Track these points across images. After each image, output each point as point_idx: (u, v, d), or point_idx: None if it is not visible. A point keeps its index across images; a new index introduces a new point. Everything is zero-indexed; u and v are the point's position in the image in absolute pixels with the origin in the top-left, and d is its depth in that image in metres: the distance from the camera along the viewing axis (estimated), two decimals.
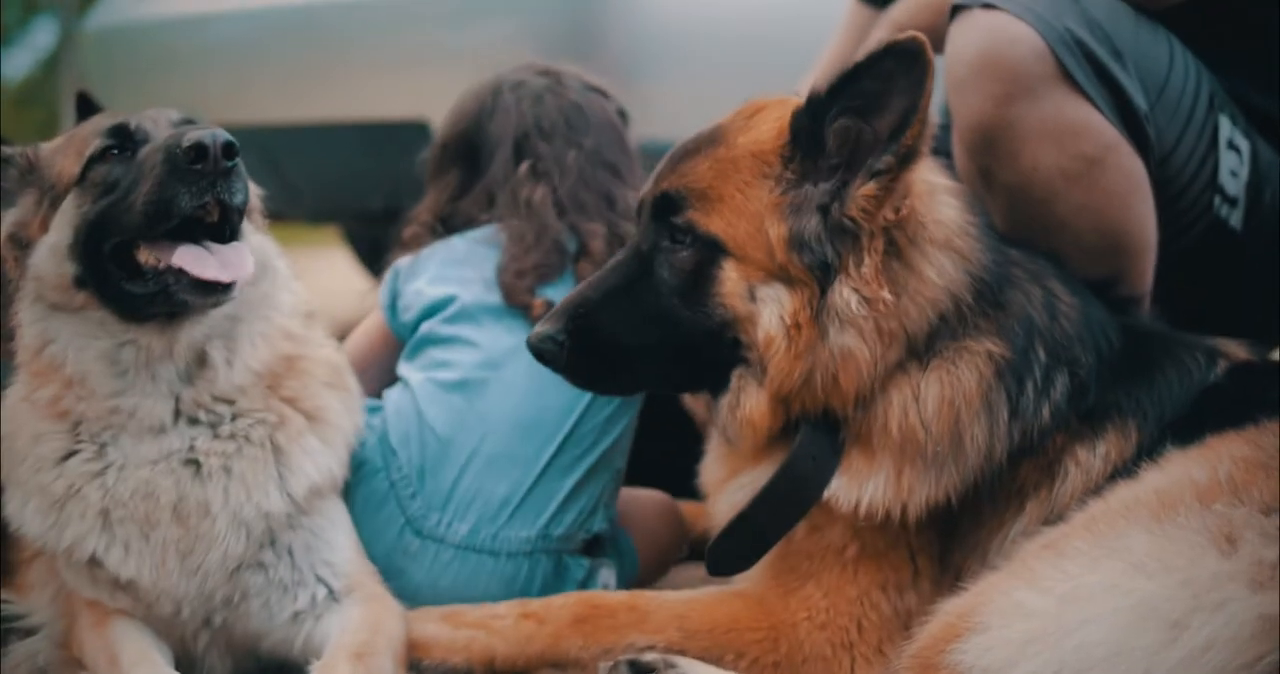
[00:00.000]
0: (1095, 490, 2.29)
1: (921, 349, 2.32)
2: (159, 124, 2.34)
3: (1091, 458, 2.36)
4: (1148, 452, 2.30)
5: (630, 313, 2.33)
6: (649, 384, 2.45)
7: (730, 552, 2.37)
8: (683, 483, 2.83)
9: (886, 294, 2.24)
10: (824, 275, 2.24)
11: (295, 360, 2.44)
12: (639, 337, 2.33)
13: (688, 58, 4.47)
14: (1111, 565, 1.91)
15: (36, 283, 2.37)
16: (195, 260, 2.21)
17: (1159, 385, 2.41)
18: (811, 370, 2.27)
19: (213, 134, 2.16)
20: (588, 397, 2.61)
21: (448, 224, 2.88)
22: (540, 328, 2.34)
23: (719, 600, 2.43)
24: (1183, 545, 1.89)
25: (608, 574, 2.70)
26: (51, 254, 2.33)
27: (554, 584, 2.62)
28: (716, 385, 2.37)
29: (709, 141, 2.37)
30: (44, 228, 2.37)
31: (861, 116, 2.21)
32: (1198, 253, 2.78)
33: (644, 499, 2.92)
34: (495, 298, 2.67)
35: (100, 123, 2.36)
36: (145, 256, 2.25)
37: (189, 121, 2.36)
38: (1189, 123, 2.66)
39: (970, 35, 2.50)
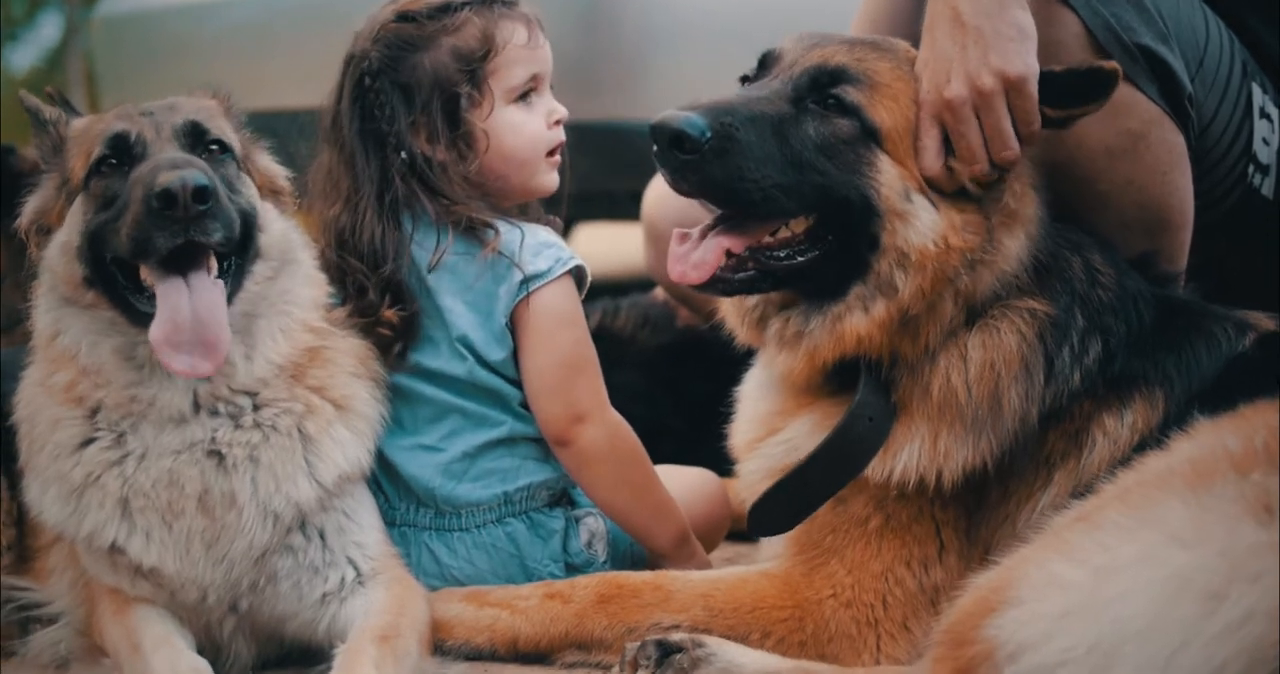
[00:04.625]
0: (1123, 461, 2.28)
1: (975, 313, 2.36)
2: (161, 132, 2.30)
3: (1119, 427, 2.35)
4: (1175, 422, 2.28)
5: (770, 144, 2.26)
6: (762, 214, 2.32)
7: (775, 510, 2.35)
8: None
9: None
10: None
11: (319, 351, 2.41)
12: (774, 169, 2.25)
13: (700, 41, 4.45)
14: (1147, 536, 1.88)
15: (50, 275, 2.36)
16: (167, 339, 2.18)
17: (1187, 356, 2.40)
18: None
19: (182, 179, 2.13)
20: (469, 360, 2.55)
21: None
22: (683, 112, 2.22)
23: (743, 579, 2.41)
24: (1219, 515, 1.85)
25: (595, 522, 2.66)
26: (63, 252, 2.33)
27: (536, 542, 2.59)
28: (825, 285, 2.34)
29: (879, 47, 2.40)
30: (60, 219, 2.36)
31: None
32: (1231, 222, 2.77)
33: (687, 477, 2.87)
34: None
35: (106, 125, 2.34)
36: (145, 275, 2.24)
37: (195, 126, 2.33)
38: (1225, 93, 2.65)
39: None
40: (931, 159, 2.32)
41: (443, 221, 2.54)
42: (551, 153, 2.67)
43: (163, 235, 2.16)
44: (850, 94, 2.31)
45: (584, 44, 4.44)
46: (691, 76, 4.47)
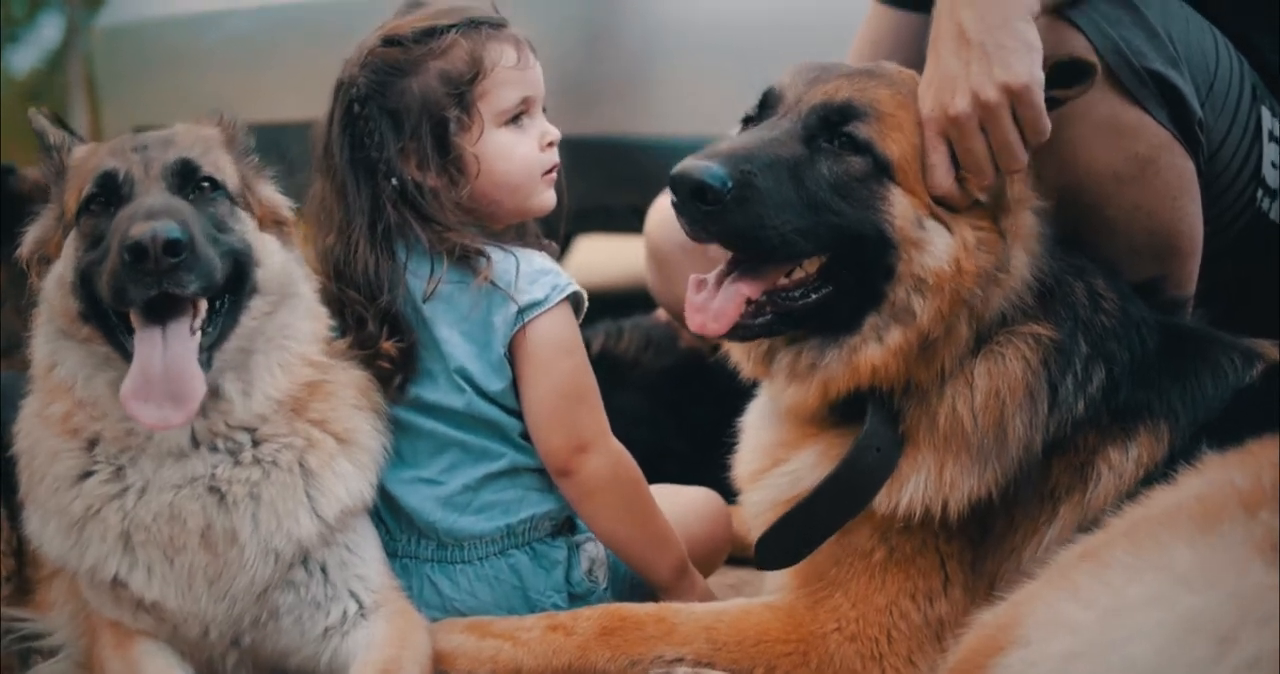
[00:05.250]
0: (1128, 494, 2.27)
1: (981, 338, 2.35)
2: (150, 171, 2.28)
3: (1124, 459, 2.34)
4: (1181, 454, 2.28)
5: (788, 188, 2.25)
6: (781, 258, 2.32)
7: (782, 544, 2.35)
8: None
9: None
10: None
11: (320, 384, 2.39)
12: (793, 214, 2.25)
13: (702, 54, 4.44)
14: (1155, 577, 1.86)
15: (48, 306, 2.35)
16: (136, 393, 2.16)
17: (1193, 387, 2.38)
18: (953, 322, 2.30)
19: (153, 232, 2.10)
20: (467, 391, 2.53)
21: None
22: (702, 161, 2.22)
23: (747, 611, 2.40)
24: (1228, 557, 1.84)
25: (595, 548, 2.64)
26: (59, 286, 2.31)
27: (539, 573, 2.58)
28: (840, 318, 2.33)
29: (877, 75, 2.39)
30: (58, 251, 2.35)
31: None
32: (1238, 247, 2.76)
33: (686, 496, 2.84)
34: None
35: (98, 161, 2.32)
36: (134, 318, 2.22)
37: (185, 164, 2.31)
38: (1235, 117, 2.64)
39: None
40: (942, 176, 2.31)
41: (436, 250, 2.51)
42: (547, 173, 2.64)
43: (136, 287, 2.14)
44: (860, 130, 2.30)
45: (583, 60, 4.43)
46: (690, 92, 4.47)
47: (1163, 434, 2.34)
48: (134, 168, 2.28)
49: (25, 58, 35.32)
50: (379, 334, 2.51)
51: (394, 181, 2.53)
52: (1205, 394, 2.37)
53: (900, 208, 2.30)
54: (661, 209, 3.40)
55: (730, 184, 2.19)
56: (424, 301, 2.52)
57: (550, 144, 2.64)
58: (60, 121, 2.54)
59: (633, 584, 2.69)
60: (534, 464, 2.56)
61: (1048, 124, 2.31)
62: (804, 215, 2.26)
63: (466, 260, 2.51)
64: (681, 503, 2.78)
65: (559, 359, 2.52)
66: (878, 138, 2.30)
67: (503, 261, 2.52)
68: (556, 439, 2.51)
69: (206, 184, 2.32)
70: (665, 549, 2.59)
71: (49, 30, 34.97)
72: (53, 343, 2.36)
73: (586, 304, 2.61)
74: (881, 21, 3.47)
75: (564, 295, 2.53)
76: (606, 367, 3.29)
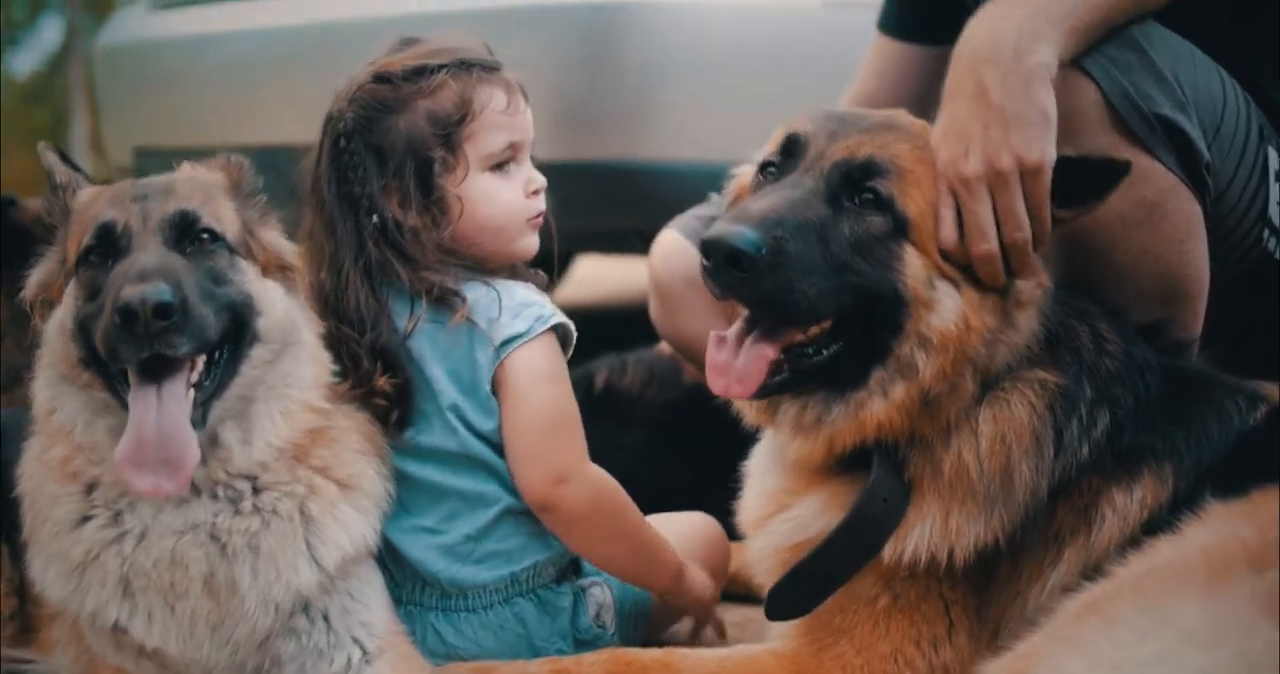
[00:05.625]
0: (1132, 539, 2.28)
1: (987, 386, 2.36)
2: (148, 223, 2.27)
3: (1128, 503, 2.34)
4: (1185, 499, 2.29)
5: (815, 251, 2.25)
6: (806, 321, 2.32)
7: (792, 595, 2.34)
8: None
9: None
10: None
11: (323, 431, 2.38)
12: (819, 276, 2.25)
13: (705, 78, 4.44)
14: (1162, 634, 1.86)
15: (49, 350, 2.34)
16: (130, 458, 2.16)
17: (1197, 430, 2.38)
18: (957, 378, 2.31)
19: (142, 296, 2.09)
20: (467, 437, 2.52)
21: None
22: (736, 227, 2.21)
23: (751, 658, 2.40)
24: (1235, 616, 1.84)
25: (601, 593, 2.63)
26: (60, 331, 2.31)
27: (544, 620, 2.56)
28: (847, 373, 2.33)
29: (894, 128, 2.39)
30: (61, 296, 2.34)
31: None
32: (1244, 287, 2.76)
33: (682, 523, 2.82)
34: None
35: (99, 210, 2.31)
36: (130, 374, 2.21)
37: (183, 217, 2.29)
38: (1241, 159, 2.64)
39: None
40: (949, 230, 2.32)
41: (415, 289, 2.50)
42: (533, 219, 2.62)
43: (128, 349, 2.14)
44: (883, 186, 2.31)
45: (586, 84, 4.43)
46: (692, 117, 4.46)
47: (1167, 477, 2.34)
48: (132, 220, 2.27)
49: (26, 61, 35.33)
50: (373, 370, 2.50)
51: (375, 218, 2.52)
52: (1209, 437, 2.37)
53: (913, 267, 2.30)
54: (666, 243, 3.39)
55: (765, 251, 2.20)
56: (404, 341, 2.50)
57: (536, 191, 2.61)
58: (67, 158, 2.54)
59: (638, 619, 2.69)
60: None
61: (1049, 204, 2.31)
62: (828, 277, 2.26)
63: (444, 300, 2.50)
64: (678, 530, 2.76)
65: (537, 389, 2.49)
66: (898, 194, 2.31)
67: (484, 297, 2.51)
68: (534, 472, 2.47)
69: (205, 236, 2.30)
70: (659, 560, 2.57)
71: (49, 33, 34.98)
72: (53, 387, 2.35)
73: (575, 336, 2.59)
74: (887, 53, 3.48)
75: (546, 327, 2.50)
76: (610, 401, 3.30)
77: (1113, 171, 2.32)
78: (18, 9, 32.93)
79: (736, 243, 2.18)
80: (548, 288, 2.70)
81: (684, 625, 2.84)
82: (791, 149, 2.40)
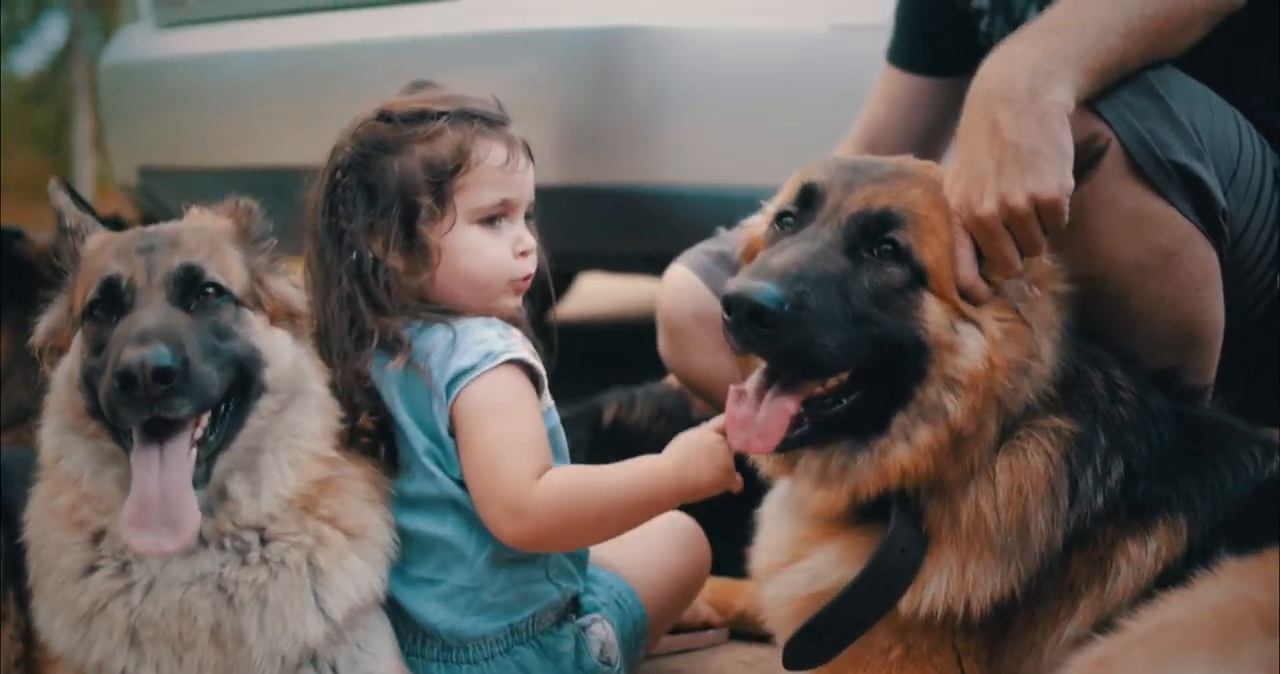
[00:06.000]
0: (1146, 591, 2.26)
1: (1005, 431, 2.34)
2: (153, 278, 2.26)
3: (1143, 554, 2.32)
4: (1199, 550, 2.27)
5: (835, 305, 2.24)
6: (826, 374, 2.30)
7: (810, 646, 2.32)
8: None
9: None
10: None
11: (331, 480, 2.37)
12: (840, 330, 2.24)
13: (712, 102, 4.43)
14: None
15: (56, 397, 2.34)
16: (132, 519, 2.15)
17: (1211, 480, 2.36)
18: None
19: (141, 360, 2.09)
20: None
21: None
22: (758, 283, 2.20)
23: None
24: None
25: (602, 629, 2.61)
26: (67, 380, 2.30)
27: (547, 666, 2.54)
28: (868, 421, 2.32)
29: (907, 175, 2.38)
30: (69, 344, 2.34)
31: None
32: (1258, 331, 2.75)
33: (658, 528, 2.72)
34: None
35: (105, 262, 2.30)
36: (134, 434, 2.21)
37: (188, 271, 2.29)
38: (1257, 204, 2.63)
39: None
40: (968, 270, 2.31)
41: (370, 330, 2.48)
42: (520, 280, 2.59)
43: (128, 412, 2.14)
44: (900, 237, 2.30)
45: (594, 108, 4.42)
46: (701, 141, 4.45)
47: (1181, 528, 2.32)
48: (137, 274, 2.27)
49: (29, 59, 35.30)
50: (356, 406, 2.48)
51: (354, 255, 2.51)
52: (1224, 488, 2.35)
53: (933, 314, 2.29)
54: (675, 279, 3.38)
55: (788, 307, 2.18)
56: (362, 380, 2.48)
57: (524, 252, 2.58)
58: (77, 197, 2.54)
59: (637, 640, 2.67)
60: (524, 551, 2.50)
61: (1066, 220, 2.31)
62: (849, 330, 2.25)
63: (391, 345, 2.49)
64: (655, 536, 2.73)
65: (481, 427, 2.43)
66: (915, 244, 2.30)
67: (442, 340, 2.48)
68: (491, 513, 2.41)
69: (210, 290, 2.30)
70: (653, 501, 2.45)
71: (52, 32, 34.94)
72: (60, 435, 2.34)
73: (545, 377, 2.54)
74: (896, 84, 3.47)
75: (496, 363, 2.45)
76: (619, 437, 3.28)
77: (1091, 153, 2.33)
78: (20, 8, 32.91)
79: (759, 299, 2.17)
80: (547, 310, 2.69)
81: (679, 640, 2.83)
82: (808, 199, 2.38)
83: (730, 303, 2.20)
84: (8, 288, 3.45)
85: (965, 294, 2.31)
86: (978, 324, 2.31)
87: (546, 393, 2.56)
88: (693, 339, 3.28)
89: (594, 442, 3.05)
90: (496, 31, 4.49)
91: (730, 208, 4.53)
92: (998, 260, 2.31)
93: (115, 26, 6.47)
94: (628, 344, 3.97)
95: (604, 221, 4.54)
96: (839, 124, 3.69)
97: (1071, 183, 2.29)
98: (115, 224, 3.58)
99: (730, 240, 3.24)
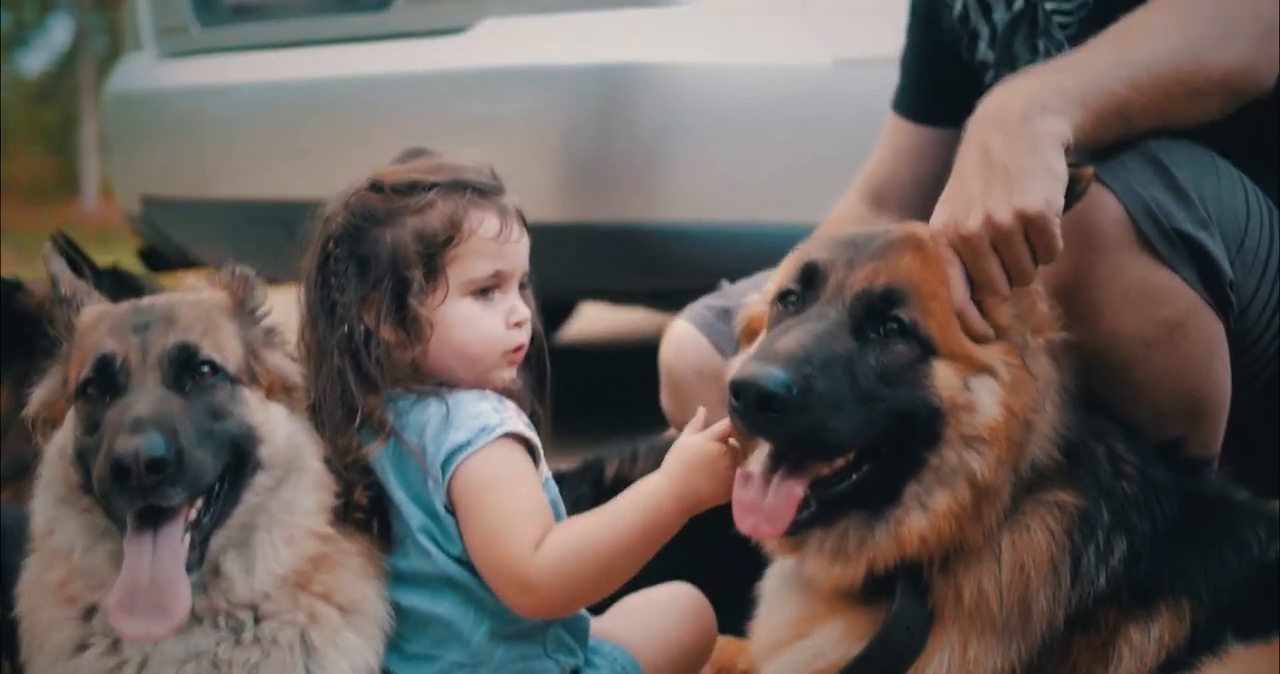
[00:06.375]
0: None
1: (1009, 502, 2.31)
2: (147, 358, 2.24)
3: (1145, 641, 2.29)
4: (1203, 635, 2.24)
5: (843, 386, 2.21)
6: (833, 455, 2.28)
7: None
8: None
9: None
10: None
11: (326, 556, 2.34)
12: (849, 411, 2.22)
13: (716, 139, 4.42)
14: None
15: (49, 469, 2.32)
16: (122, 605, 2.14)
17: (1215, 562, 2.33)
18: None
19: (135, 452, 2.07)
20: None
21: None
22: (766, 368, 2.17)
23: None
24: None
25: None
26: (60, 455, 2.28)
27: None
28: (879, 494, 2.29)
29: (904, 243, 2.35)
30: (63, 416, 2.32)
31: None
32: (1263, 400, 2.71)
33: (660, 598, 2.73)
34: None
35: (99, 339, 2.28)
36: (127, 518, 2.19)
37: (183, 350, 2.26)
38: (1264, 273, 2.59)
39: None
40: (960, 292, 2.29)
41: (354, 406, 2.44)
42: (514, 352, 2.56)
43: (121, 501, 2.13)
44: (905, 314, 2.28)
45: (597, 145, 4.41)
46: (705, 178, 4.44)
47: (1184, 612, 2.29)
48: (131, 353, 2.24)
49: (36, 60, 35.37)
50: (351, 480, 2.45)
51: (345, 327, 2.47)
52: (1228, 569, 2.32)
53: (945, 379, 2.27)
54: (678, 334, 3.35)
55: (796, 391, 2.16)
56: (351, 459, 2.44)
57: (518, 323, 2.55)
58: (75, 251, 2.52)
59: None
60: (521, 626, 2.47)
61: (1059, 247, 2.28)
62: (858, 410, 2.23)
63: (376, 425, 2.46)
64: (659, 606, 2.70)
65: (480, 504, 2.40)
66: (920, 317, 2.28)
67: (435, 415, 2.44)
68: (502, 588, 2.39)
69: (205, 369, 2.27)
70: (657, 536, 2.43)
71: (59, 33, 35.01)
72: (52, 508, 2.32)
73: (540, 448, 2.51)
74: (901, 133, 3.43)
75: (492, 437, 2.42)
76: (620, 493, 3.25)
77: (1075, 189, 2.32)
78: (27, 9, 32.96)
79: (767, 385, 2.14)
80: (544, 379, 2.66)
81: None
82: (810, 278, 2.36)
83: (738, 389, 2.17)
84: (8, 340, 3.43)
85: (961, 320, 2.29)
86: (990, 371, 2.28)
87: (544, 463, 2.54)
88: (695, 394, 3.25)
89: (596, 497, 3.01)
90: (500, 67, 4.49)
91: (734, 245, 4.53)
92: (984, 281, 2.28)
93: (121, 29, 6.46)
94: (626, 368, 3.95)
95: (607, 259, 4.53)
96: (844, 159, 3.67)
97: (1061, 203, 2.26)
98: (114, 275, 3.57)
99: (733, 295, 3.22)
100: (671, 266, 4.44)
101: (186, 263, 5.64)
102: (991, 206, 2.25)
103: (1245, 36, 2.53)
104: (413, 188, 2.50)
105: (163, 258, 5.69)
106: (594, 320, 7.72)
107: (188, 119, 5.22)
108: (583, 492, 3.21)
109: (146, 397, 2.19)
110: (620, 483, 3.23)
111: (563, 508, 2.57)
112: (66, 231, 3.12)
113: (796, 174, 4.46)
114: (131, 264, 5.90)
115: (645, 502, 2.43)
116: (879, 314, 2.29)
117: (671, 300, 5.01)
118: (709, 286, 3.50)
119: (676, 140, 4.38)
